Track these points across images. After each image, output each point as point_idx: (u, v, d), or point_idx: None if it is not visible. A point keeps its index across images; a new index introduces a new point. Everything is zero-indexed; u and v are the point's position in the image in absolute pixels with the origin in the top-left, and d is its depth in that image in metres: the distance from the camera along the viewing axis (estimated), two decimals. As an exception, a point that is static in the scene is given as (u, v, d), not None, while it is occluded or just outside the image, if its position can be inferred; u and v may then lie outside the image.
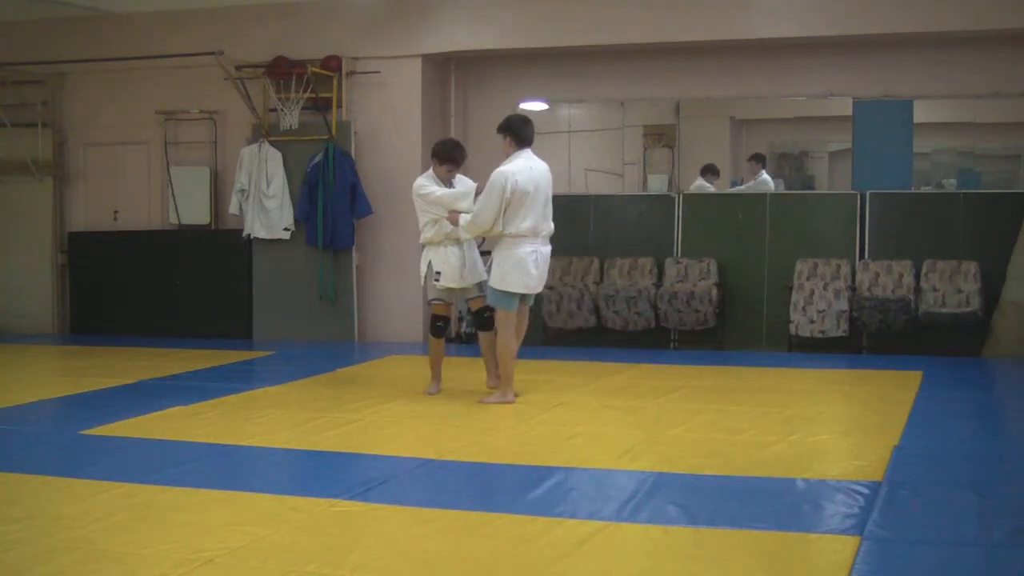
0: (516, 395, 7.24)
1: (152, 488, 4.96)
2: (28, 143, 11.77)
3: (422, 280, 7.56)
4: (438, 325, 7.53)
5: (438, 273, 7.38)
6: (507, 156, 7.05)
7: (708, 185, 10.87)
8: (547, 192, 7.08)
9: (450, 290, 7.50)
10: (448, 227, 7.29)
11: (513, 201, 6.87)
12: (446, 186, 7.40)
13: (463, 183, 7.48)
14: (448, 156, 7.41)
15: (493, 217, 6.89)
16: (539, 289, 7.24)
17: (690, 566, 3.91)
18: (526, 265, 6.97)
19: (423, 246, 7.50)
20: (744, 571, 3.83)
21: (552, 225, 7.16)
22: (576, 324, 10.38)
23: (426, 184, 7.39)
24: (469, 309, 8.10)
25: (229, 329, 11.18)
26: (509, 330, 7.09)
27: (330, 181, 10.66)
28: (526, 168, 6.96)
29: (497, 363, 7.28)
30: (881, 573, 3.81)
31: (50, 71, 11.77)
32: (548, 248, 7.16)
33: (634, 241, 10.70)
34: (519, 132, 7.09)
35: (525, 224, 6.92)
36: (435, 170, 7.44)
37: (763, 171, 10.85)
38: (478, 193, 7.18)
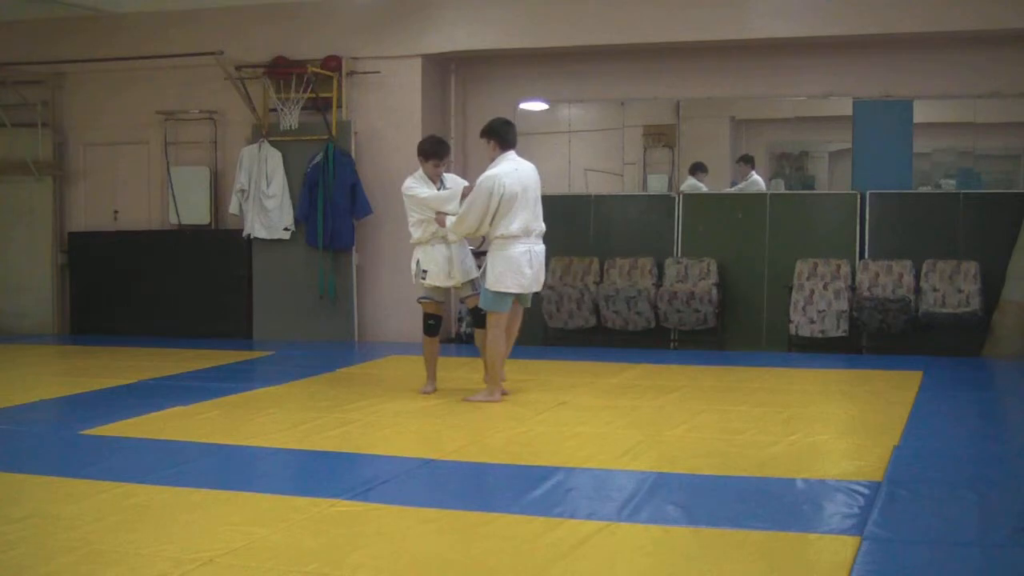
0: (504, 394, 7.26)
1: (152, 488, 4.96)
2: (28, 143, 11.77)
3: (413, 279, 7.59)
4: (429, 323, 7.55)
5: (424, 271, 7.42)
6: (491, 159, 7.13)
7: (700, 184, 10.88)
8: (535, 192, 7.14)
9: (438, 288, 7.53)
10: (436, 226, 7.34)
11: (503, 204, 6.92)
12: (435, 183, 7.45)
13: (453, 182, 7.52)
14: (432, 152, 7.47)
15: (479, 219, 6.96)
16: (536, 288, 7.25)
17: (690, 566, 3.91)
18: (520, 265, 7.00)
19: (413, 245, 7.53)
20: (744, 571, 3.83)
21: (543, 224, 7.20)
22: (576, 324, 10.38)
23: (413, 185, 7.43)
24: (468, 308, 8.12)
25: (229, 329, 11.18)
26: (499, 331, 7.13)
27: (330, 181, 10.66)
28: (512, 170, 7.02)
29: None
30: (881, 573, 3.80)
31: (50, 71, 11.77)
32: (542, 247, 7.19)
33: (634, 241, 10.71)
34: (502, 135, 7.15)
35: (515, 225, 6.96)
36: (423, 168, 7.49)
37: (753, 172, 10.88)
38: (466, 193, 7.21)
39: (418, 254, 7.47)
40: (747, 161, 10.97)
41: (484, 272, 7.20)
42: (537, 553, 4.01)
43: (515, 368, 8.31)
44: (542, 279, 7.26)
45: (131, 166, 11.89)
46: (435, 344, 7.63)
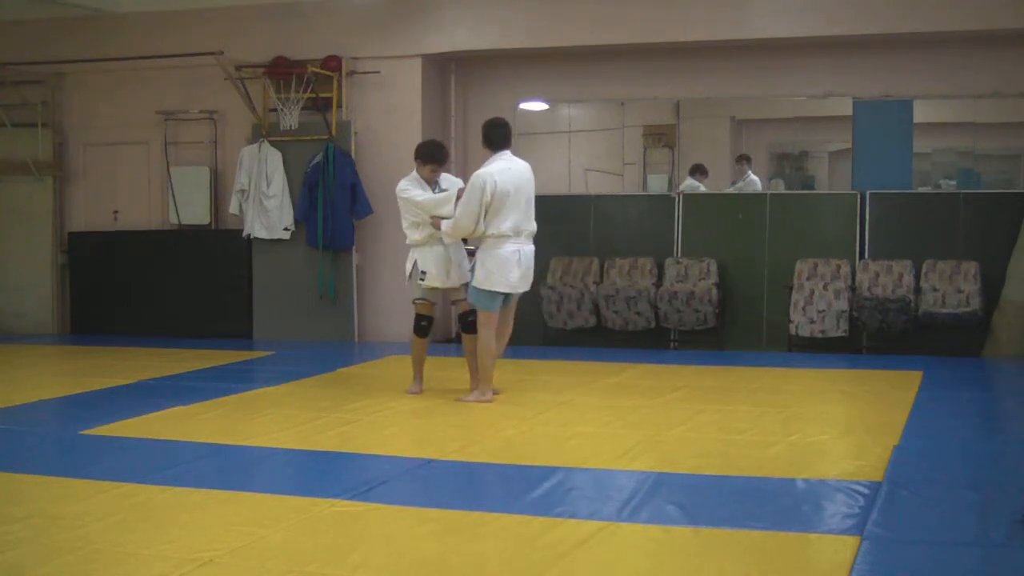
0: (495, 392, 7.26)
1: (152, 488, 4.96)
2: (28, 143, 11.77)
3: (407, 279, 7.57)
4: (422, 324, 7.54)
5: (423, 272, 7.40)
6: (485, 159, 7.14)
7: (699, 184, 10.89)
8: (528, 192, 7.13)
9: (435, 290, 7.52)
10: (433, 228, 7.34)
11: (494, 202, 6.92)
12: (431, 186, 7.41)
13: (449, 183, 7.50)
14: (431, 157, 7.44)
15: (474, 220, 6.95)
16: (525, 288, 7.24)
17: (690, 566, 3.91)
18: (509, 264, 7.00)
19: (409, 246, 7.52)
20: (744, 571, 3.83)
21: (535, 225, 7.20)
22: (576, 324, 10.38)
23: (408, 188, 7.40)
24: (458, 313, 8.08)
25: (229, 329, 11.17)
26: (490, 330, 7.12)
27: (330, 181, 10.66)
28: (505, 169, 7.02)
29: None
30: (881, 573, 3.81)
31: (50, 71, 11.77)
32: (531, 247, 7.19)
33: (634, 241, 10.71)
34: (490, 137, 7.16)
35: (507, 224, 6.96)
36: (419, 171, 7.45)
37: (750, 171, 10.88)
38: (460, 196, 7.18)
39: (415, 255, 7.44)
40: (744, 160, 10.98)
41: (473, 270, 7.20)
42: (537, 553, 4.01)
43: (515, 368, 8.32)
44: (530, 279, 7.25)
45: (131, 166, 11.88)
46: (425, 345, 7.64)
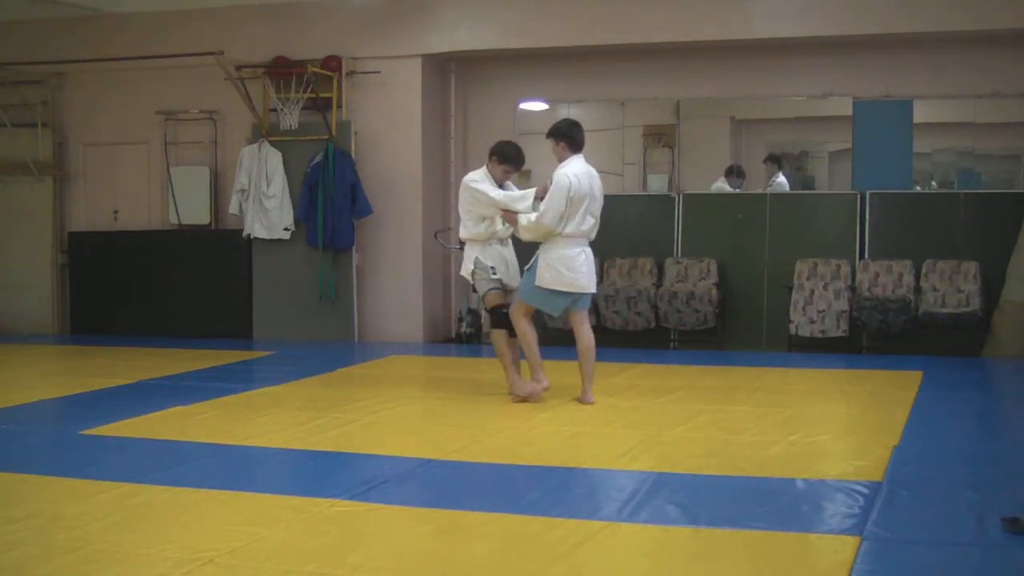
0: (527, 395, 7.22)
1: (152, 488, 4.96)
2: (28, 143, 11.77)
3: (468, 276, 7.43)
4: (502, 313, 7.27)
5: (492, 267, 7.30)
6: (560, 160, 7.07)
7: (728, 188, 10.83)
8: (600, 199, 7.13)
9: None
10: (498, 226, 7.29)
11: (573, 203, 6.90)
12: (499, 186, 7.34)
13: (512, 189, 7.43)
14: (508, 158, 7.35)
15: (559, 218, 6.90)
16: (592, 289, 7.21)
17: (690, 566, 3.91)
18: (576, 265, 6.99)
19: (462, 242, 7.45)
20: (744, 571, 3.83)
21: (594, 233, 7.19)
22: (576, 324, 10.35)
23: (481, 181, 7.29)
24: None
25: (229, 329, 11.17)
26: (527, 319, 7.13)
27: (330, 181, 10.66)
28: (584, 171, 7.02)
29: (516, 357, 7.29)
30: (881, 573, 3.81)
31: (50, 71, 11.77)
32: (590, 249, 7.18)
33: (634, 241, 10.70)
34: (572, 136, 7.12)
35: (583, 227, 6.98)
36: (490, 168, 7.36)
37: (780, 173, 10.79)
38: (539, 194, 7.11)
39: (475, 252, 7.34)
40: (774, 161, 10.87)
41: (531, 267, 7.12)
42: (537, 553, 4.01)
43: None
44: (595, 280, 7.21)
45: (131, 166, 11.88)
46: (505, 337, 7.27)
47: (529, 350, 7.17)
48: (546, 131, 7.23)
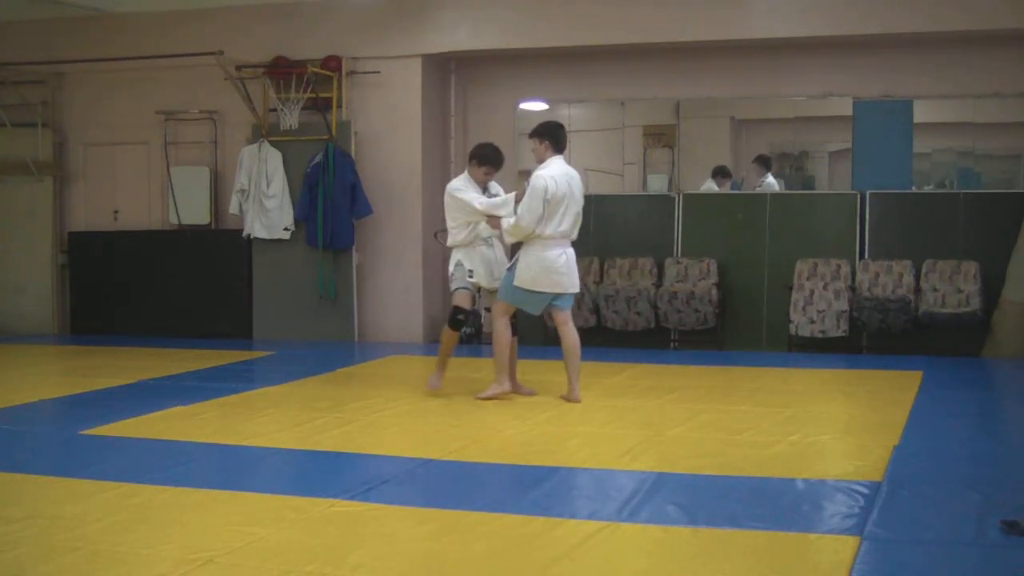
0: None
1: (152, 488, 4.96)
2: (28, 143, 11.77)
3: (450, 280, 7.52)
4: (459, 318, 7.40)
5: (471, 271, 7.37)
6: (539, 160, 7.14)
7: (717, 188, 10.84)
8: (580, 198, 7.17)
9: (477, 287, 7.53)
10: (480, 229, 7.35)
11: (551, 204, 6.94)
12: (482, 189, 7.42)
13: (496, 189, 7.49)
14: (488, 160, 7.42)
15: (537, 220, 6.95)
16: (575, 289, 7.25)
17: (690, 566, 3.91)
18: (555, 266, 7.03)
19: (451, 248, 7.51)
20: (744, 571, 3.83)
21: (576, 233, 7.24)
22: (576, 324, 10.33)
23: (464, 189, 7.37)
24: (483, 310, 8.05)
25: (229, 329, 11.17)
26: (505, 320, 7.19)
27: (330, 181, 10.66)
28: (563, 173, 7.07)
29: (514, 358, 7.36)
30: (881, 573, 3.81)
31: (50, 71, 11.77)
32: (572, 251, 7.21)
33: (634, 241, 10.71)
34: (557, 138, 7.18)
35: (561, 227, 7.02)
36: (472, 172, 7.44)
37: (768, 175, 10.80)
38: (518, 198, 7.16)
39: (459, 255, 7.44)
40: (763, 162, 10.89)
41: (512, 267, 7.16)
42: (537, 553, 4.01)
43: (518, 367, 8.31)
44: (578, 280, 7.25)
45: (131, 166, 11.88)
46: (455, 339, 7.52)
47: (498, 350, 7.22)
48: (529, 131, 7.30)
